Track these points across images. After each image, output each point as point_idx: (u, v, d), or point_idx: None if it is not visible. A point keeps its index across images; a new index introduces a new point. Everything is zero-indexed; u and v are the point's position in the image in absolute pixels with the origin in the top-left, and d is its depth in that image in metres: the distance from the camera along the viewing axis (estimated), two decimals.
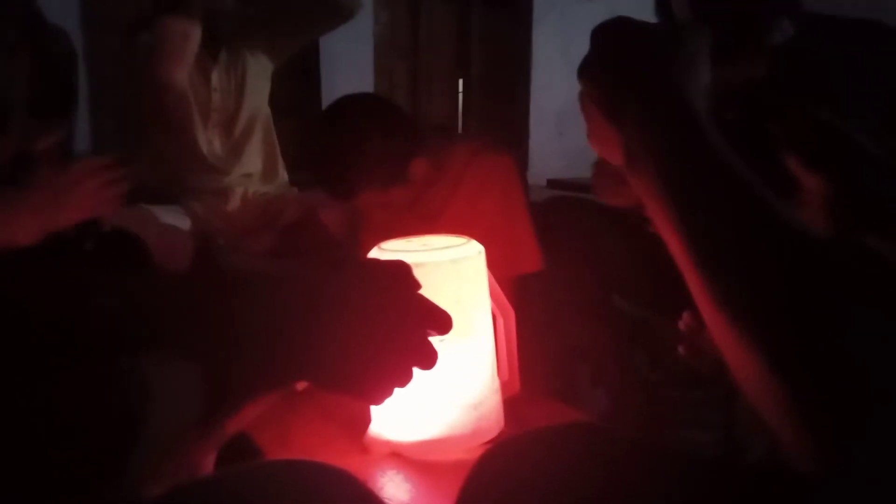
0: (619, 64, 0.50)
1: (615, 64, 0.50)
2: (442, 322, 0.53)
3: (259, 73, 1.65)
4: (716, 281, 0.40)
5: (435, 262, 0.79)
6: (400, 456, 0.80)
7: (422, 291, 0.57)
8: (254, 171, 1.64)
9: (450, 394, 0.79)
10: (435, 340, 0.54)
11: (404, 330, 0.50)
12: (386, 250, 0.83)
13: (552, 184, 4.31)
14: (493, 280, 0.89)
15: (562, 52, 4.37)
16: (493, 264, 1.03)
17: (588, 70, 0.52)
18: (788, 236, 0.38)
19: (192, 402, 0.42)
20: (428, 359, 0.51)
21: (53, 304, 0.48)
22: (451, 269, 0.80)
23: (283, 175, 1.73)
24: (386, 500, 0.78)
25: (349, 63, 3.76)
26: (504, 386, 0.89)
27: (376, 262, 0.60)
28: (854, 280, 0.36)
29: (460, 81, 4.31)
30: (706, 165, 0.42)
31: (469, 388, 0.81)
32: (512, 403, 0.89)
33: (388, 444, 0.80)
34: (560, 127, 4.49)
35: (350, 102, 1.23)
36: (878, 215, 0.54)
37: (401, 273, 0.53)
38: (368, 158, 1.16)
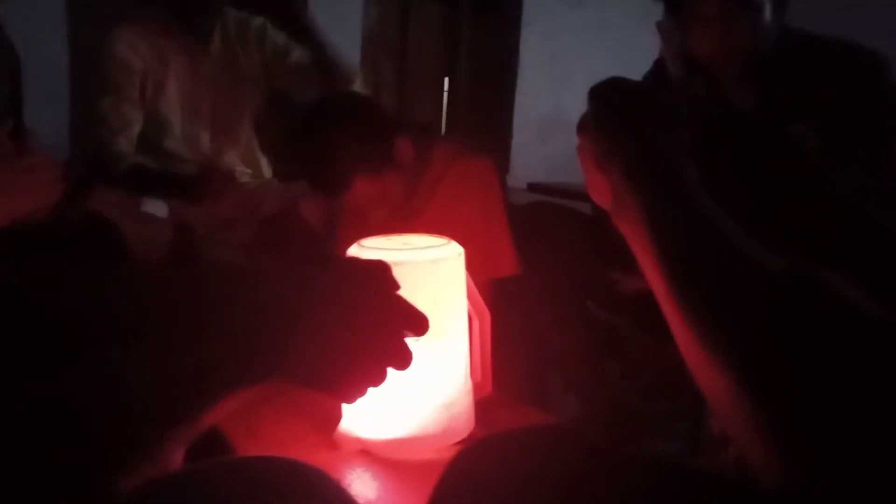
0: (609, 122, 0.55)
1: (605, 121, 0.56)
2: (418, 324, 0.53)
3: (251, 72, 1.64)
4: (692, 317, 0.44)
5: (414, 261, 0.80)
6: (369, 454, 0.80)
7: (400, 291, 0.58)
8: (237, 163, 1.63)
9: (422, 393, 0.80)
10: (410, 340, 0.54)
11: (381, 330, 0.50)
12: (366, 248, 0.83)
13: (532, 187, 4.34)
14: (471, 282, 0.90)
15: (548, 59, 4.40)
16: (470, 267, 1.04)
17: (583, 126, 0.59)
18: (756, 272, 0.42)
19: (170, 395, 0.41)
20: (403, 360, 0.52)
21: (31, 301, 0.48)
22: (430, 269, 0.81)
23: (265, 166, 1.72)
24: (355, 498, 0.78)
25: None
26: (476, 387, 0.89)
27: (357, 260, 0.60)
28: (819, 308, 0.39)
29: (446, 82, 4.32)
30: (680, 215, 0.48)
31: (442, 388, 0.81)
32: (483, 405, 0.90)
33: (358, 441, 0.80)
34: (542, 132, 4.51)
35: (331, 100, 1.24)
36: (832, 249, 0.58)
37: (380, 273, 0.53)
38: (353, 148, 1.18)
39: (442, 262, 0.82)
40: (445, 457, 0.78)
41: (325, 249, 1.46)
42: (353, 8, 3.81)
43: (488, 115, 4.43)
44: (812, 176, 0.62)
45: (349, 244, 1.36)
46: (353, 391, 0.50)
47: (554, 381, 1.37)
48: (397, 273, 0.78)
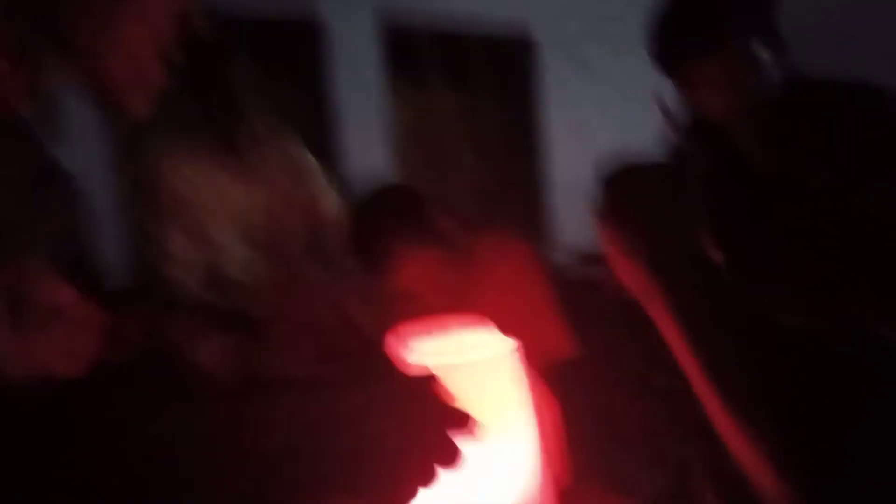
0: (626, 215, 0.58)
1: (623, 214, 0.59)
2: (460, 420, 0.53)
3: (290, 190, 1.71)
4: (713, 384, 0.50)
5: (469, 363, 0.80)
6: None
7: (460, 392, 0.60)
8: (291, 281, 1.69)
9: (495, 495, 0.78)
10: (471, 445, 0.54)
11: (421, 427, 0.51)
12: (418, 352, 0.83)
13: (586, 259, 4.32)
14: (532, 372, 0.89)
15: (572, 128, 4.47)
16: (527, 354, 1.03)
17: (603, 217, 0.61)
18: (756, 335, 0.49)
19: None
20: (450, 455, 0.51)
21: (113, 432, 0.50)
22: (485, 367, 0.80)
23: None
24: None
25: (365, 138, 3.87)
26: (552, 480, 0.87)
27: (405, 373, 0.62)
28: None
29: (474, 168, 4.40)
30: (706, 306, 0.52)
31: (514, 490, 0.79)
32: (566, 497, 0.87)
33: None
34: (581, 200, 4.53)
35: (376, 190, 1.38)
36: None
37: (427, 381, 0.54)
38: (398, 227, 1.27)
39: (498, 358, 0.81)
40: None
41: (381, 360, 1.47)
42: (378, 101, 3.98)
43: (523, 195, 4.48)
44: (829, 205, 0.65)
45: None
46: (405, 495, 0.50)
47: (637, 458, 1.33)
48: (453, 376, 0.79)
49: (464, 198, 4.37)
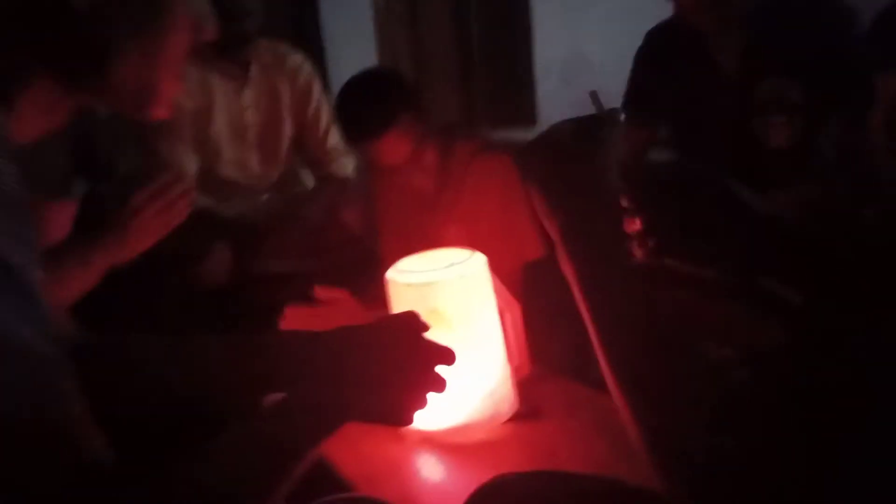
0: (547, 188, 0.64)
1: (544, 187, 0.64)
2: (446, 357, 0.68)
3: (286, 98, 1.77)
4: (599, 332, 0.58)
5: (444, 280, 0.93)
6: (431, 441, 0.96)
7: (436, 305, 0.83)
8: (281, 180, 1.79)
9: (467, 386, 0.94)
10: (449, 343, 0.69)
11: (418, 370, 0.65)
12: (402, 271, 0.97)
13: (594, 96, 4.38)
14: (498, 281, 1.03)
15: (561, 4, 4.37)
16: (500, 254, 1.17)
17: (527, 175, 0.67)
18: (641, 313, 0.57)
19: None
20: (439, 386, 0.67)
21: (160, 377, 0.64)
22: (459, 284, 0.94)
23: (308, 179, 1.88)
24: (424, 477, 0.94)
25: (351, 36, 3.83)
26: (515, 370, 1.03)
27: (390, 318, 0.75)
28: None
29: (462, 44, 4.35)
30: (604, 283, 0.59)
31: (483, 380, 0.96)
32: (525, 384, 1.04)
33: (419, 432, 0.96)
34: (565, 76, 4.52)
35: (363, 72, 1.46)
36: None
37: (409, 323, 0.68)
38: (384, 103, 1.36)
39: (469, 275, 0.95)
40: (494, 436, 0.94)
41: (365, 252, 1.61)
42: None
43: (508, 68, 4.45)
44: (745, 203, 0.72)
45: (392, 238, 1.52)
46: (405, 418, 0.66)
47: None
48: (431, 292, 0.93)
49: (448, 78, 4.35)
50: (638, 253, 0.73)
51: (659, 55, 1.50)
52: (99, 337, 0.72)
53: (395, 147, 1.36)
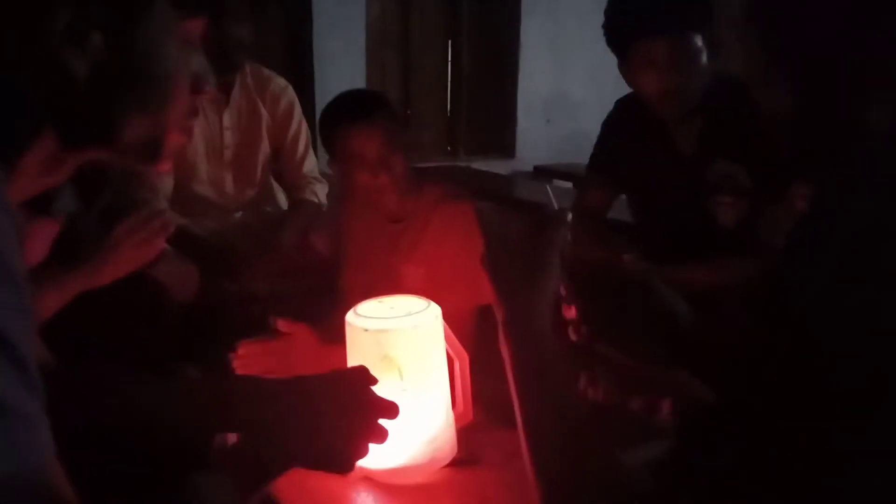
0: (495, 275, 0.71)
1: (493, 273, 0.71)
2: (390, 411, 0.73)
3: (265, 122, 1.82)
4: (521, 408, 0.65)
5: (400, 329, 0.99)
6: (371, 479, 1.01)
7: (389, 351, 0.90)
8: (256, 200, 1.84)
9: (411, 431, 0.99)
10: (397, 389, 0.74)
11: (361, 422, 0.70)
12: (361, 315, 1.02)
13: (538, 171, 4.49)
14: (449, 331, 1.08)
15: (549, 41, 4.49)
16: (455, 297, 1.22)
17: (482, 259, 0.74)
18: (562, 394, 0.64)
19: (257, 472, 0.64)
20: (380, 437, 0.72)
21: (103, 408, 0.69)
22: (413, 333, 1.00)
23: (281, 199, 1.92)
24: None
25: (342, 56, 3.89)
26: (458, 418, 1.09)
27: (342, 372, 0.80)
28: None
29: (449, 71, 4.44)
30: (533, 370, 0.66)
31: (426, 426, 1.01)
32: (467, 431, 1.10)
33: (361, 469, 1.00)
34: (547, 114, 4.63)
35: (349, 91, 1.50)
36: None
37: (359, 378, 0.73)
38: (389, 116, 1.43)
39: (422, 325, 1.00)
40: (432, 480, 0.99)
41: (333, 275, 1.65)
42: (355, 6, 3.95)
43: (492, 101, 4.55)
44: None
45: (354, 270, 1.57)
46: (346, 466, 0.71)
47: None
48: (386, 339, 0.98)
49: (433, 104, 4.43)
50: (573, 337, 0.80)
51: (624, 126, 1.59)
52: (62, 360, 0.76)
53: (376, 141, 1.39)
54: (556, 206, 0.74)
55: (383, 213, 1.52)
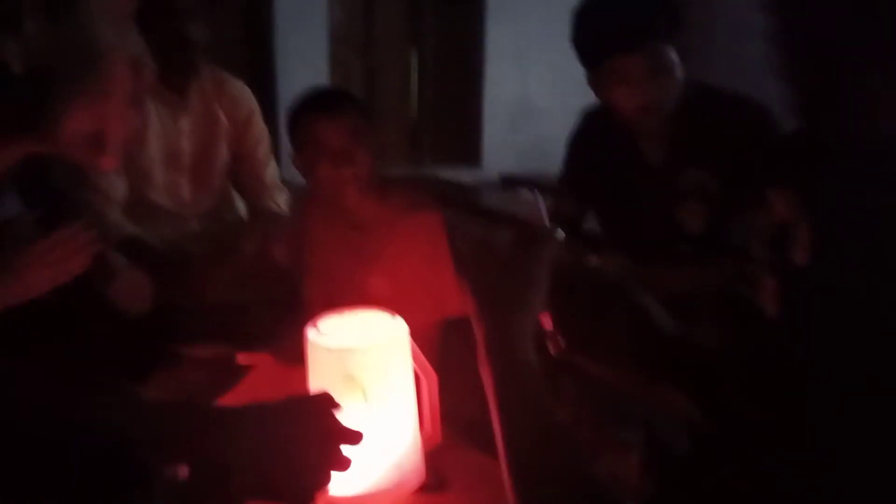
0: (477, 298, 0.67)
1: (474, 296, 0.67)
2: (352, 438, 0.68)
3: (224, 126, 1.75)
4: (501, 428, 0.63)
5: (364, 347, 0.94)
6: None
7: (353, 371, 0.85)
8: (214, 208, 1.77)
9: (375, 455, 0.94)
10: (362, 409, 0.68)
11: (322, 450, 0.66)
12: (323, 333, 0.97)
13: (504, 180, 4.46)
14: (416, 348, 1.04)
15: (515, 48, 4.48)
16: (420, 309, 1.18)
17: (461, 276, 0.70)
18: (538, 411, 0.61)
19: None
20: (342, 466, 0.67)
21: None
22: (378, 351, 0.95)
23: (241, 206, 1.85)
24: None
25: (305, 64, 3.82)
26: (426, 440, 1.04)
27: (303, 399, 0.75)
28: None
29: (414, 76, 4.40)
30: (516, 394, 0.63)
31: (391, 449, 0.96)
32: (434, 454, 1.05)
33: (325, 497, 0.95)
34: (513, 121, 4.62)
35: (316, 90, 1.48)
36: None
37: (321, 404, 0.68)
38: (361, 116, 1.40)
39: (388, 344, 0.96)
40: None
41: (292, 286, 1.59)
42: (318, 7, 3.89)
43: (457, 107, 4.51)
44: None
45: (316, 280, 1.51)
46: (305, 497, 0.65)
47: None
48: (349, 358, 0.93)
49: (397, 108, 4.38)
50: (551, 349, 0.76)
51: (591, 139, 1.57)
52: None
53: (342, 131, 1.36)
54: (546, 221, 0.71)
55: (347, 218, 1.46)
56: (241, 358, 1.24)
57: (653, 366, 0.75)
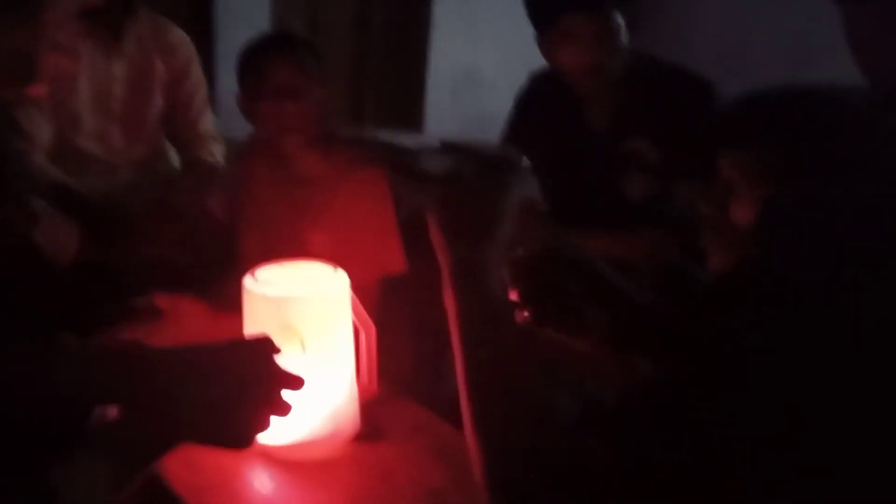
0: (445, 226, 0.64)
1: (443, 224, 0.64)
2: (293, 383, 0.67)
3: (161, 75, 1.68)
4: (464, 365, 0.61)
5: (304, 297, 0.93)
6: (268, 456, 0.95)
7: (292, 321, 0.83)
8: (146, 158, 1.70)
9: (311, 404, 0.94)
10: (301, 359, 0.68)
11: (262, 394, 0.65)
12: (261, 281, 0.95)
13: (445, 146, 4.46)
14: (357, 301, 1.03)
15: (462, 17, 4.44)
16: (362, 265, 1.18)
17: (430, 209, 0.66)
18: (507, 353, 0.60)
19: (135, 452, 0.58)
20: (282, 410, 0.66)
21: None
22: (318, 302, 0.94)
23: (173, 156, 1.79)
24: (256, 492, 0.93)
25: (246, 19, 3.69)
26: (363, 390, 1.05)
27: (243, 342, 0.74)
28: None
29: (359, 38, 4.32)
30: (481, 327, 0.62)
31: (328, 399, 0.96)
32: (370, 405, 1.05)
33: (258, 446, 0.94)
34: (456, 91, 4.60)
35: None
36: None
37: (262, 348, 0.67)
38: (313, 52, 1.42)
39: (328, 294, 0.95)
40: (333, 455, 0.95)
41: (227, 242, 1.56)
42: None
43: (401, 74, 4.47)
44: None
45: (254, 233, 1.49)
46: (244, 441, 0.65)
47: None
48: (288, 307, 0.92)
49: (340, 71, 4.29)
50: (518, 318, 0.77)
51: (537, 101, 1.58)
52: None
53: (291, 65, 1.36)
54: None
55: (289, 170, 1.44)
56: (161, 301, 1.21)
57: (620, 334, 0.76)
